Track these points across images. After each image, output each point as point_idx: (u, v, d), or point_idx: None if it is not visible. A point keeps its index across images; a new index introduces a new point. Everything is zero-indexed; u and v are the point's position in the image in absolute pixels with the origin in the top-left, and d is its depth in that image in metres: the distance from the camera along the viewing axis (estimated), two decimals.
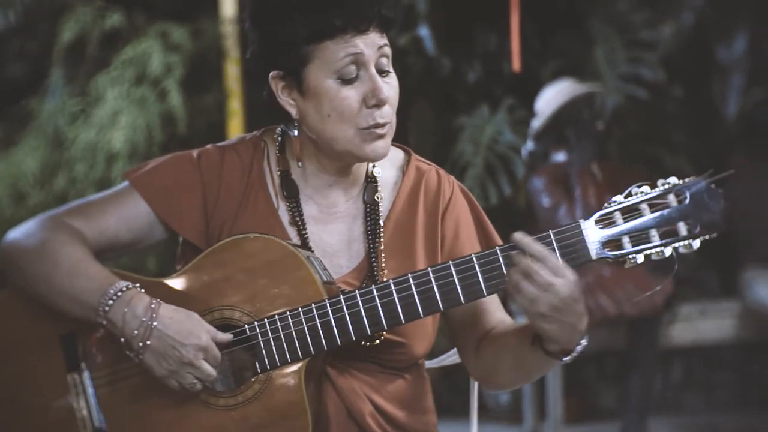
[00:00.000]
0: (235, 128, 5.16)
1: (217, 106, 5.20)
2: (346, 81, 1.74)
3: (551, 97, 4.66)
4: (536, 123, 4.71)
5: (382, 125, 1.76)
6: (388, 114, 1.76)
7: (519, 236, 1.69)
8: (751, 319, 4.89)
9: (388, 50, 1.77)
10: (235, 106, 5.14)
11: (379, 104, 1.75)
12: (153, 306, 1.72)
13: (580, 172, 4.61)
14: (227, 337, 1.74)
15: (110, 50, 5.24)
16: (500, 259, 1.70)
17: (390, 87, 1.77)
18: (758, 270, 4.83)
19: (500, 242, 1.88)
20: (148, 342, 1.71)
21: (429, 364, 2.00)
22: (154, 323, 1.71)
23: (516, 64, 4.48)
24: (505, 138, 5.13)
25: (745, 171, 5.04)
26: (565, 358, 1.74)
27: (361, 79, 1.75)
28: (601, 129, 4.68)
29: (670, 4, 4.95)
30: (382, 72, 1.77)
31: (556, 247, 1.69)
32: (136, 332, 1.71)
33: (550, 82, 4.89)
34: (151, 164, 1.85)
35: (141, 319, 1.71)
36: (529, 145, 4.79)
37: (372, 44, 1.74)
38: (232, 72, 5.16)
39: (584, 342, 1.73)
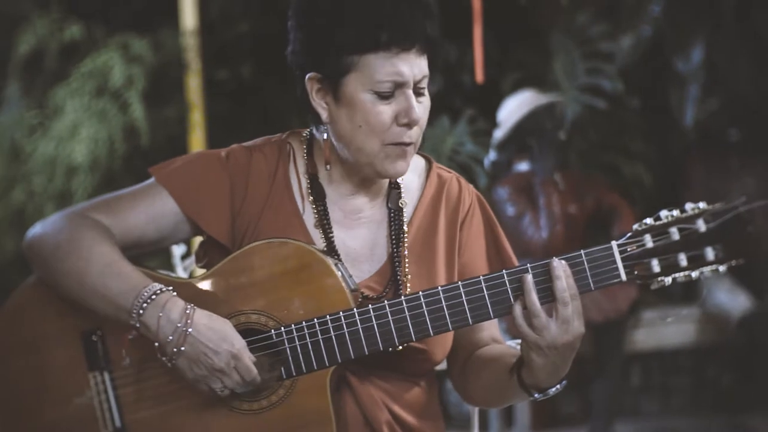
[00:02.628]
0: (197, 141, 5.14)
1: (178, 119, 5.17)
2: (383, 97, 1.76)
3: (514, 108, 4.72)
4: (499, 133, 4.76)
5: (408, 144, 1.78)
6: (415, 134, 1.79)
7: (557, 263, 1.71)
8: (708, 324, 5.00)
9: (427, 70, 1.78)
10: (197, 118, 5.11)
11: (410, 124, 1.77)
12: (188, 311, 1.71)
13: (543, 181, 4.67)
14: (252, 359, 1.74)
15: (69, 62, 5.18)
16: (531, 276, 1.72)
17: (422, 108, 1.79)
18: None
19: (511, 254, 1.91)
20: (183, 348, 1.70)
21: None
22: (189, 329, 1.70)
23: (479, 76, 4.53)
24: (466, 148, 5.19)
25: (700, 179, 5.17)
26: (536, 395, 1.76)
27: (396, 97, 1.77)
28: (562, 139, 4.75)
29: (628, 16, 5.05)
30: (418, 92, 1.79)
31: (587, 267, 1.71)
32: (171, 338, 1.71)
33: (510, 93, 4.95)
34: (178, 162, 1.84)
35: (176, 324, 1.70)
36: (492, 155, 4.84)
37: (413, 64, 1.75)
38: (194, 84, 5.13)
39: (560, 387, 1.76)
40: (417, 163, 1.91)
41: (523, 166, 4.74)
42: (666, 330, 4.99)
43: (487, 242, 1.90)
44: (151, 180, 1.84)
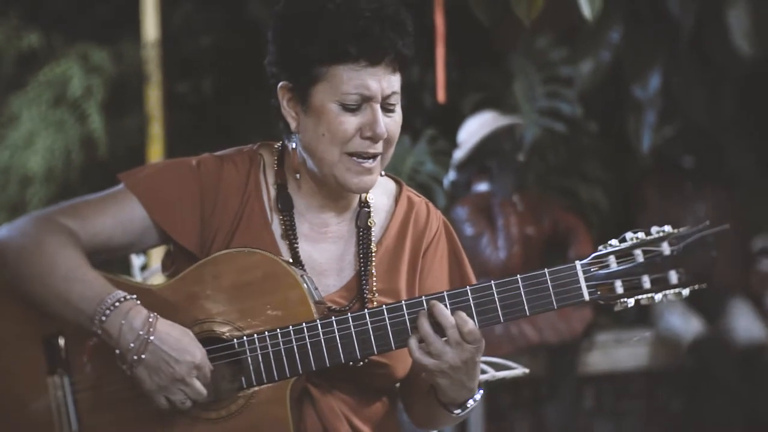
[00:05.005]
0: (156, 153, 5.09)
1: (138, 131, 5.13)
2: (349, 109, 1.78)
3: (474, 129, 4.76)
4: (459, 153, 4.80)
5: (372, 156, 1.79)
6: (380, 147, 1.80)
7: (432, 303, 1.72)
8: (661, 348, 5.06)
9: (397, 87, 1.80)
10: (156, 130, 5.07)
11: (374, 138, 1.78)
12: (150, 320, 1.71)
13: (502, 202, 4.71)
14: (212, 368, 1.73)
15: (26, 70, 5.12)
16: (495, 293, 1.74)
17: (391, 123, 1.81)
18: None
19: (474, 280, 1.91)
20: (143, 356, 1.70)
21: None
22: (151, 337, 1.70)
23: (441, 96, 4.55)
24: (426, 168, 5.20)
25: (654, 204, 5.24)
26: (455, 411, 1.79)
27: (363, 110, 1.78)
28: (521, 160, 4.80)
29: (587, 42, 5.12)
30: (387, 107, 1.80)
31: (550, 286, 1.72)
32: (132, 345, 1.70)
33: (470, 114, 4.99)
34: (147, 169, 1.84)
35: (138, 332, 1.70)
36: (452, 175, 4.87)
37: (381, 79, 1.77)
38: (154, 96, 5.10)
39: (477, 398, 1.78)
40: (388, 185, 1.92)
41: (482, 187, 4.77)
42: (619, 353, 5.03)
43: (450, 269, 1.91)
44: (120, 186, 1.83)
